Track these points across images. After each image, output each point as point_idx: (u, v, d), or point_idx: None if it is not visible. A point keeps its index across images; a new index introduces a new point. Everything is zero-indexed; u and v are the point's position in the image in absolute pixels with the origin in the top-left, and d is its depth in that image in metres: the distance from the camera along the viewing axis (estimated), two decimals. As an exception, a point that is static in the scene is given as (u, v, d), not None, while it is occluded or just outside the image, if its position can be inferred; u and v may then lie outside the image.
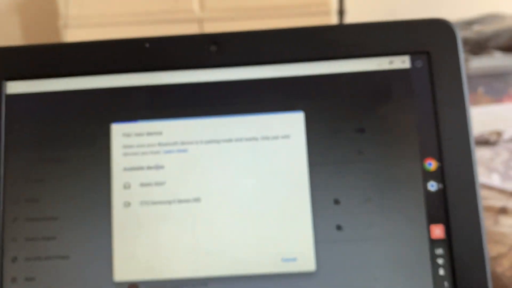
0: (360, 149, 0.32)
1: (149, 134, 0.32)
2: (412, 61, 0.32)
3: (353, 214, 0.31)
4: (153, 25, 1.66)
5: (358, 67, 0.32)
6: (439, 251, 0.30)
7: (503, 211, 0.67)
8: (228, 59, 0.33)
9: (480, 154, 0.88)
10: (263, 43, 0.33)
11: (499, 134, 0.92)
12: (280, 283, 0.31)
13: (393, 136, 0.32)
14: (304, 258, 0.31)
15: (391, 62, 0.32)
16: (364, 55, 0.32)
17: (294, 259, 0.31)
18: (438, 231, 0.31)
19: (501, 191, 0.73)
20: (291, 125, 0.32)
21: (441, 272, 0.30)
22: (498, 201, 0.70)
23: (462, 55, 0.32)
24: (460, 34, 0.32)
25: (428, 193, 0.31)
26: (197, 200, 0.32)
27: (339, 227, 0.31)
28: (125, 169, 0.32)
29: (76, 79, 0.33)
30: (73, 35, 1.64)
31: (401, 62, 0.32)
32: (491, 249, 0.61)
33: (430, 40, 0.32)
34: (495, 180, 0.78)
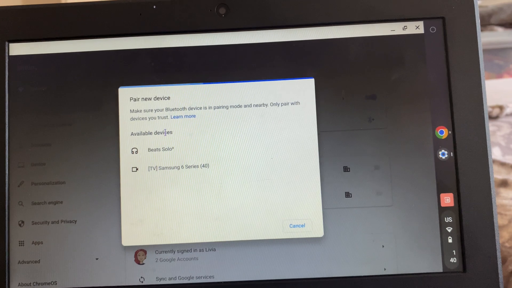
0: (371, 116, 0.31)
1: (156, 98, 0.32)
2: (427, 27, 0.31)
3: (362, 181, 0.31)
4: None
5: (371, 32, 0.32)
6: (449, 219, 0.30)
7: (503, 183, 0.67)
8: (237, 22, 0.32)
9: (482, 128, 0.86)
10: (273, 6, 0.32)
11: (501, 108, 0.92)
12: (288, 249, 0.31)
13: (405, 103, 0.31)
14: (312, 225, 0.31)
15: (404, 28, 0.32)
16: (377, 20, 0.32)
17: (302, 225, 0.31)
18: (447, 199, 0.31)
19: (502, 164, 0.73)
20: (301, 91, 0.32)
21: (450, 240, 0.30)
22: (498, 174, 0.70)
23: (478, 21, 0.31)
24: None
25: (438, 161, 0.31)
26: (205, 166, 0.31)
27: (348, 194, 0.31)
28: (133, 134, 0.32)
29: (82, 41, 0.32)
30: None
31: (415, 28, 0.32)
32: (491, 221, 0.61)
33: (445, 5, 0.31)
34: (496, 153, 0.78)
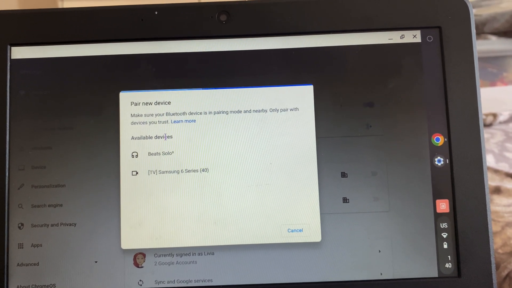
0: (368, 123, 0.32)
1: (157, 103, 0.32)
2: (423, 36, 0.32)
3: (359, 187, 0.31)
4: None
5: (369, 40, 0.32)
6: (444, 225, 0.31)
7: (497, 190, 0.68)
8: (238, 29, 0.32)
9: (475, 135, 0.87)
10: (274, 14, 0.32)
11: (494, 115, 0.93)
12: (286, 253, 0.31)
13: (402, 110, 0.32)
14: (310, 229, 0.31)
15: (402, 36, 0.32)
16: (375, 28, 0.32)
17: (300, 230, 0.31)
18: (443, 205, 0.31)
19: (496, 171, 0.74)
20: (300, 98, 0.32)
21: (445, 245, 0.31)
22: (492, 181, 0.71)
23: (474, 31, 0.31)
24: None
25: (434, 168, 0.31)
26: (205, 170, 0.32)
27: (345, 200, 0.31)
28: (133, 138, 0.32)
29: (84, 46, 0.32)
30: (70, 6, 1.60)
31: (412, 37, 0.32)
32: (484, 228, 0.62)
33: (442, 15, 0.32)
34: (490, 160, 0.79)
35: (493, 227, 0.61)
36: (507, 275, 0.56)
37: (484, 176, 0.31)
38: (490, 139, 0.87)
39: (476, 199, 0.31)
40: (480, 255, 0.30)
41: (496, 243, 0.60)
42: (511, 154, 0.81)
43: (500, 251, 0.58)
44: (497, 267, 0.57)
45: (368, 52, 0.32)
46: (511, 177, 0.72)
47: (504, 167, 0.76)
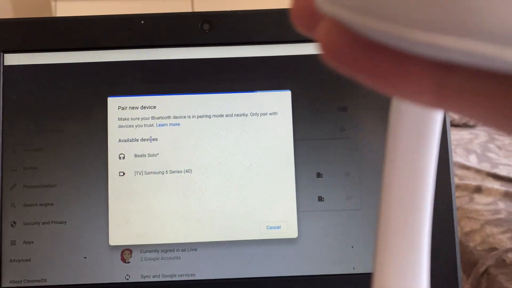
0: (342, 126, 0.34)
1: (143, 107, 0.34)
2: (394, 45, 0.34)
3: (334, 186, 0.33)
4: (144, 0, 1.64)
5: (343, 48, 0.34)
6: (412, 222, 0.33)
7: (478, 189, 0.70)
8: (220, 38, 0.34)
9: (460, 136, 0.91)
10: (254, 24, 0.34)
11: (478, 117, 0.95)
12: (265, 248, 0.33)
13: (373, 114, 0.34)
14: (287, 226, 0.33)
15: (374, 45, 0.34)
16: (349, 37, 0.34)
17: (278, 227, 0.33)
18: (412, 203, 0.33)
19: (477, 171, 0.76)
20: (279, 103, 0.34)
21: (413, 241, 0.33)
22: (473, 181, 0.73)
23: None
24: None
25: (404, 169, 0.33)
26: (188, 171, 0.34)
27: (320, 198, 0.33)
28: (120, 140, 0.34)
29: (74, 53, 0.34)
30: (63, 8, 1.61)
31: (384, 45, 0.34)
32: (465, 225, 0.64)
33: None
34: (472, 160, 0.81)
35: (473, 225, 0.64)
36: (485, 270, 0.58)
37: (451, 176, 0.33)
38: (474, 140, 0.89)
39: (443, 197, 0.33)
40: (446, 253, 0.32)
41: (475, 240, 0.62)
42: (493, 154, 0.83)
43: (478, 248, 0.60)
44: (475, 264, 0.59)
45: (342, 60, 0.34)
46: (492, 177, 0.74)
47: (485, 167, 0.78)
